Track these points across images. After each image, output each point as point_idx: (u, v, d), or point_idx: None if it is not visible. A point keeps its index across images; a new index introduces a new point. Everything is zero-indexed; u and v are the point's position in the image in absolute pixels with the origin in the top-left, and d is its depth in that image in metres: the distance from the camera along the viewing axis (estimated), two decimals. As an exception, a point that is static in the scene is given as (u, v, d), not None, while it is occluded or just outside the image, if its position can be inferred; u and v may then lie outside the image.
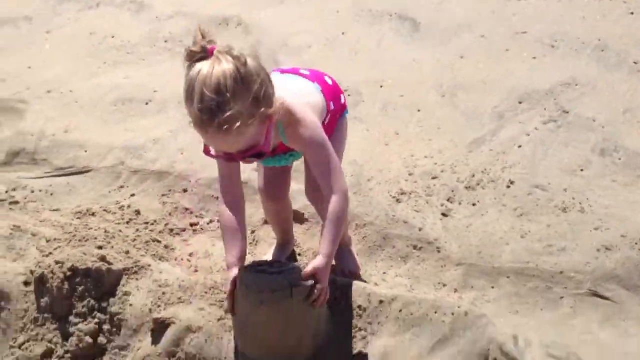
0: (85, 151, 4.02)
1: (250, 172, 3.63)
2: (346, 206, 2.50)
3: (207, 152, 2.32)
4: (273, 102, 2.18)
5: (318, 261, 2.38)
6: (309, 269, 2.38)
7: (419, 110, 3.98)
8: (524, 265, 3.01)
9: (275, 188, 2.86)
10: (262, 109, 2.13)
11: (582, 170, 3.44)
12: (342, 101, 2.77)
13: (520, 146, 3.62)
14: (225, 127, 2.03)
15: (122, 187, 3.80)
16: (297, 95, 2.41)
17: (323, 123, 2.58)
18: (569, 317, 2.82)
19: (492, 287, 2.97)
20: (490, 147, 3.64)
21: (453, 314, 2.60)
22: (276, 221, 3.08)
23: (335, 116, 2.72)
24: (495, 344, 2.21)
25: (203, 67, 2.03)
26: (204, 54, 2.06)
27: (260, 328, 2.44)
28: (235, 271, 2.43)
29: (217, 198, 3.59)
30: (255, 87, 2.09)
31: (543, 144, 3.62)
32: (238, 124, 2.05)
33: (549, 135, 3.67)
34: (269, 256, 3.20)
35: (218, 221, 3.09)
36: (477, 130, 3.77)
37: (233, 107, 2.02)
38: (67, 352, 2.81)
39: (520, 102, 3.92)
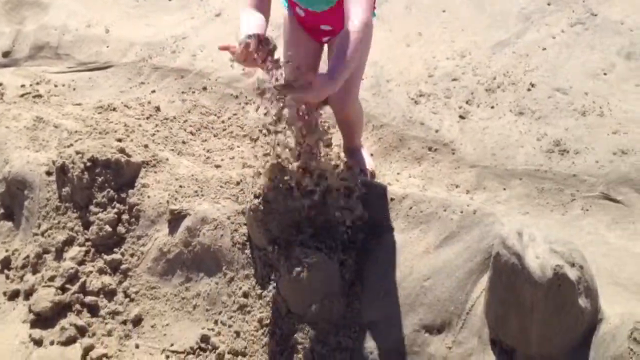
0: (107, 46, 4.04)
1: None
2: (365, 37, 2.24)
3: None
4: None
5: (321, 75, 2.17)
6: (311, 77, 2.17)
7: (443, 11, 3.88)
8: (537, 168, 3.00)
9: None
10: None
11: (605, 74, 3.35)
12: None
13: (544, 49, 3.53)
14: None
15: (142, 83, 3.83)
16: None
17: None
18: (578, 218, 2.83)
19: (504, 189, 2.98)
20: (514, 49, 3.56)
21: (462, 212, 2.63)
22: None
23: None
24: (499, 238, 2.24)
25: None
26: None
27: None
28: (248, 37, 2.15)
29: (236, 97, 3.61)
30: None
31: (568, 46, 3.53)
32: None
33: (575, 38, 3.57)
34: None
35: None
36: (502, 32, 3.67)
37: None
38: (87, 239, 2.93)
39: (548, 4, 3.79)
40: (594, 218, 2.81)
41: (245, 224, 2.74)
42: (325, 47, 2.81)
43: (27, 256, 2.97)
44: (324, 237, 2.62)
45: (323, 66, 2.80)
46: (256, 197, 2.58)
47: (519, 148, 3.08)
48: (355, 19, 2.19)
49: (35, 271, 2.95)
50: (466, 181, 3.03)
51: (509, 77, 3.40)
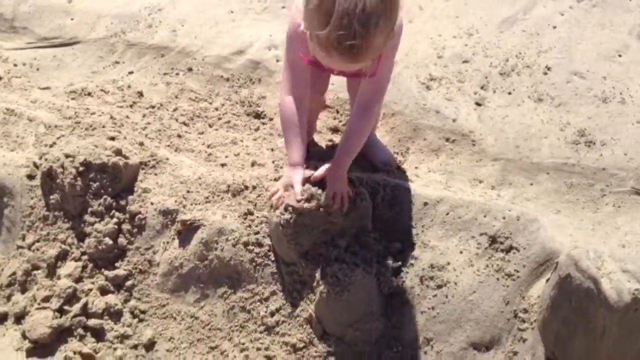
0: (72, 19, 3.59)
1: (264, 50, 3.33)
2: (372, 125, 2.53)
3: (304, 59, 2.20)
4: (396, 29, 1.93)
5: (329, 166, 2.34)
6: (319, 172, 2.33)
7: (442, -18, 3.63)
8: (564, 161, 2.86)
9: (318, 83, 2.58)
10: (391, 38, 1.91)
11: (620, 55, 3.22)
12: None
13: (554, 27, 3.36)
14: (359, 55, 1.80)
15: (117, 62, 3.43)
16: None
17: None
18: (611, 215, 2.71)
19: (531, 184, 2.83)
20: (523, 27, 3.37)
21: (504, 218, 2.48)
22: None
23: None
24: (568, 257, 2.09)
25: None
26: None
27: None
28: (300, 171, 2.32)
29: (227, 79, 3.29)
30: (397, 10, 1.84)
31: (578, 25, 3.36)
32: (370, 53, 1.83)
33: (584, 15, 3.41)
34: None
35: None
36: (507, 6, 3.47)
37: (377, 34, 1.79)
38: (83, 253, 2.62)
39: (551, -25, 3.61)
40: (628, 215, 2.71)
41: (268, 235, 2.49)
42: None
43: (14, 273, 2.63)
44: (358, 248, 2.42)
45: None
46: (286, 210, 2.33)
47: (542, 139, 2.93)
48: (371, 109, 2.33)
49: (24, 290, 2.62)
50: (490, 176, 2.86)
51: (522, 59, 3.22)
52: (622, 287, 1.99)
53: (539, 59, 3.21)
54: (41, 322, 2.50)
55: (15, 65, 3.44)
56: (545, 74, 3.15)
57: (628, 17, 3.38)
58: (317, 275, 2.35)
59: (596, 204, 2.76)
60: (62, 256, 2.62)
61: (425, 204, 2.55)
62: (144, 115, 3.04)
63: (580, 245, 2.21)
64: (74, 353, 2.45)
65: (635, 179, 2.79)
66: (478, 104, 3.07)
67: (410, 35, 3.34)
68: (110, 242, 2.58)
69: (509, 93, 3.10)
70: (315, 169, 2.35)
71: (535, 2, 3.48)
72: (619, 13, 3.40)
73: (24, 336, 2.52)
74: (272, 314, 2.45)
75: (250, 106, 3.18)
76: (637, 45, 3.26)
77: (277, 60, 3.27)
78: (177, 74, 3.33)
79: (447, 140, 2.98)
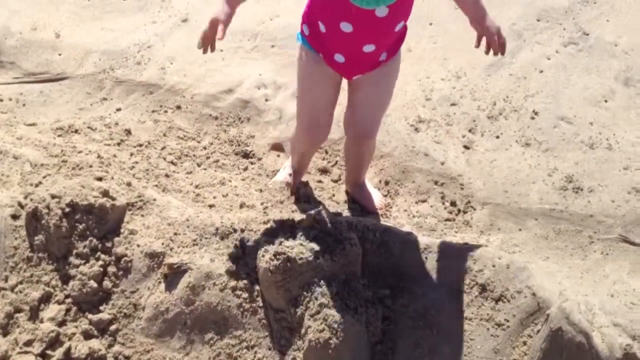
0: (59, 54, 3.58)
1: (253, 89, 3.33)
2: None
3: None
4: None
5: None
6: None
7: (430, 24, 3.67)
8: (552, 207, 2.88)
9: (320, 132, 2.59)
10: None
11: (606, 101, 3.27)
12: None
13: (541, 71, 3.40)
14: None
15: (104, 99, 3.42)
16: None
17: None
18: (599, 263, 2.73)
19: (520, 230, 2.84)
20: (510, 70, 3.41)
21: (494, 266, 2.47)
22: (304, 156, 2.82)
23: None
24: (560, 311, 2.09)
25: None
26: None
27: None
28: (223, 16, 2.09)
29: (216, 118, 3.28)
30: None
31: (565, 69, 3.41)
32: None
33: (571, 60, 3.45)
34: (280, 177, 2.96)
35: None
36: (495, 50, 3.51)
37: None
38: (67, 296, 2.56)
39: (538, 20, 3.65)
40: (616, 263, 2.72)
41: (256, 278, 2.46)
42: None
43: (-5, 315, 2.58)
44: (347, 295, 2.39)
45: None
46: (276, 256, 2.31)
47: (530, 184, 2.94)
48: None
49: (6, 333, 2.55)
50: (479, 220, 2.87)
51: (509, 103, 3.25)
52: (613, 341, 1.99)
53: (526, 103, 3.25)
54: (22, 367, 2.44)
55: (0, 100, 3.41)
56: (533, 118, 3.18)
57: (614, 62, 3.43)
58: (306, 322, 2.32)
59: (584, 251, 2.78)
60: (46, 299, 2.56)
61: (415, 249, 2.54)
62: (131, 154, 3.02)
63: (570, 296, 2.21)
64: (56, 400, 2.39)
65: (623, 226, 2.81)
66: (466, 147, 3.08)
67: (399, 77, 3.35)
68: (95, 285, 2.53)
69: (497, 137, 3.12)
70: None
71: (522, 46, 3.52)
72: (605, 58, 3.44)
73: (4, 382, 2.46)
74: (260, 362, 2.41)
75: (239, 145, 3.17)
76: (622, 90, 3.31)
77: (266, 100, 3.28)
78: (166, 111, 3.32)
79: (436, 183, 2.99)
